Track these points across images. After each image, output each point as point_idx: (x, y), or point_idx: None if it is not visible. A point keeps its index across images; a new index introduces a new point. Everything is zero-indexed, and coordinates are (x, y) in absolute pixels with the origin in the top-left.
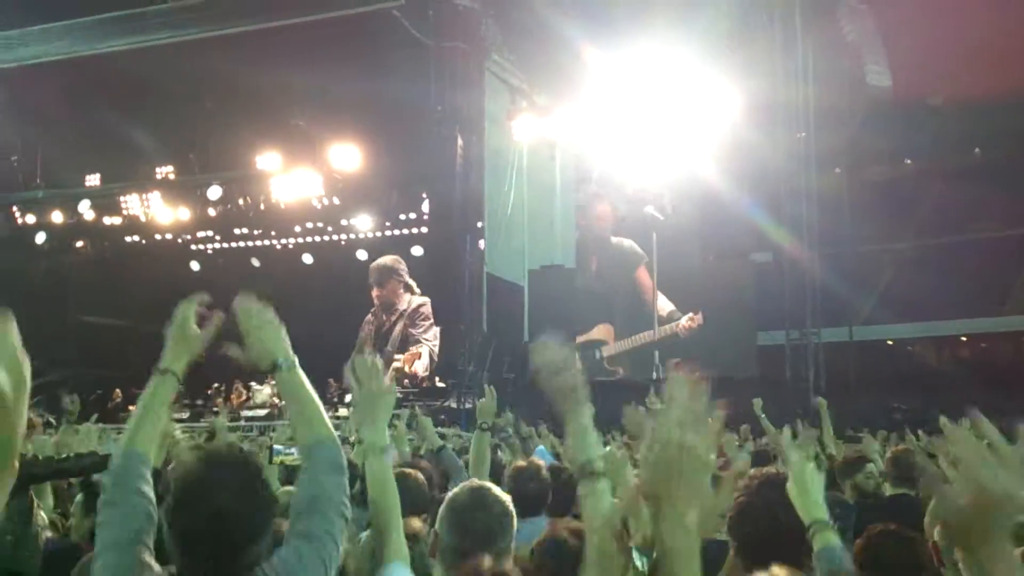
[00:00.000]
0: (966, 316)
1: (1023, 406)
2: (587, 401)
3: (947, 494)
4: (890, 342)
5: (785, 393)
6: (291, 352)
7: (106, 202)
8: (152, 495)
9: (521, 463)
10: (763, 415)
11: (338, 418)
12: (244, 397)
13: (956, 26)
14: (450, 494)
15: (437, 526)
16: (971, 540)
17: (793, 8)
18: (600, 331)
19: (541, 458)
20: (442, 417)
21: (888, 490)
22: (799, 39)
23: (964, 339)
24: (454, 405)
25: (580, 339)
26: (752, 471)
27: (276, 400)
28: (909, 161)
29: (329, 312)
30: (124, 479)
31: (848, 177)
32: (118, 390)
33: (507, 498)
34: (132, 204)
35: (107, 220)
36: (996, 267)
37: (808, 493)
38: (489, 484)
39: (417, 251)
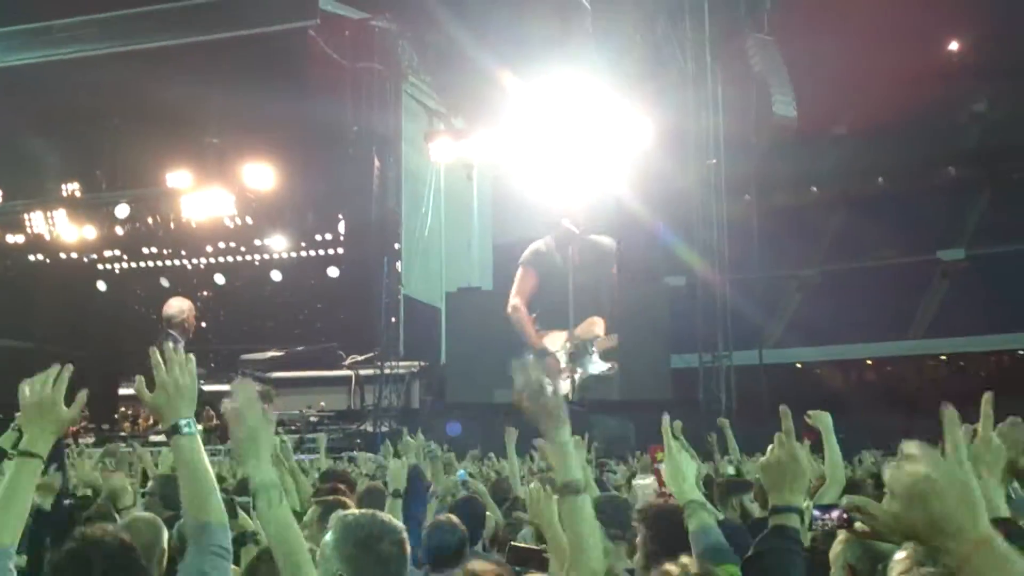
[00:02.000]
0: (872, 340)
1: (927, 428)
2: (567, 421)
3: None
4: (799, 365)
5: (698, 415)
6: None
7: (9, 219)
8: None
9: (440, 518)
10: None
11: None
12: (152, 421)
13: (859, 59)
14: (341, 527)
15: (338, 566)
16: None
17: (703, 40)
18: (591, 324)
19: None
20: (358, 441)
21: (756, 512)
22: (709, 70)
23: (870, 363)
24: (370, 429)
25: (572, 333)
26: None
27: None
28: (815, 189)
29: (242, 332)
30: None
31: (757, 204)
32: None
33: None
34: (36, 222)
35: (10, 238)
36: (900, 293)
37: (683, 476)
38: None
39: (333, 272)
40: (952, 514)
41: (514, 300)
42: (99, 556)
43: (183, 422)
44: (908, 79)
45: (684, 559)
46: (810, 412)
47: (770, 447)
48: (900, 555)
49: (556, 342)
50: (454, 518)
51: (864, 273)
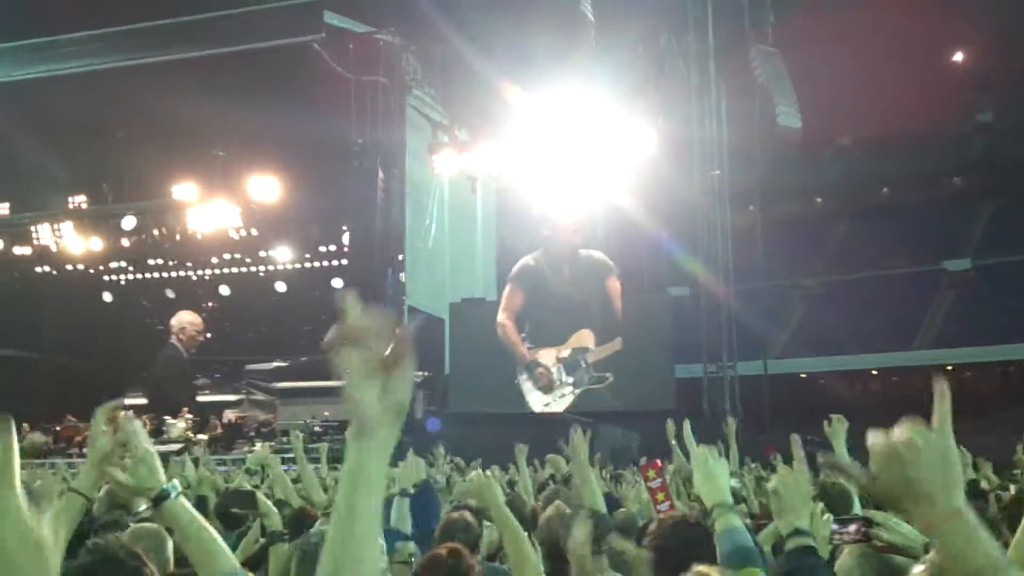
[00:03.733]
0: (877, 351)
1: None
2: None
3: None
4: (803, 375)
5: (703, 425)
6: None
7: (16, 231)
8: None
9: (453, 515)
10: (675, 443)
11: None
12: (150, 429)
13: (863, 70)
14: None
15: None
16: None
17: (707, 52)
18: (580, 337)
19: None
20: None
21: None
22: (712, 81)
23: (875, 373)
24: None
25: (563, 349)
26: (662, 514)
27: (190, 435)
28: (819, 199)
29: (247, 342)
30: None
31: (761, 214)
32: (26, 424)
33: None
34: (43, 234)
35: (17, 250)
36: (905, 303)
37: (714, 479)
38: None
39: (337, 283)
40: (927, 480)
41: (500, 317)
42: (111, 562)
43: (168, 487)
44: (913, 90)
45: (702, 568)
46: (832, 416)
47: (775, 475)
48: (918, 569)
49: (547, 358)
50: (468, 516)
51: (869, 283)
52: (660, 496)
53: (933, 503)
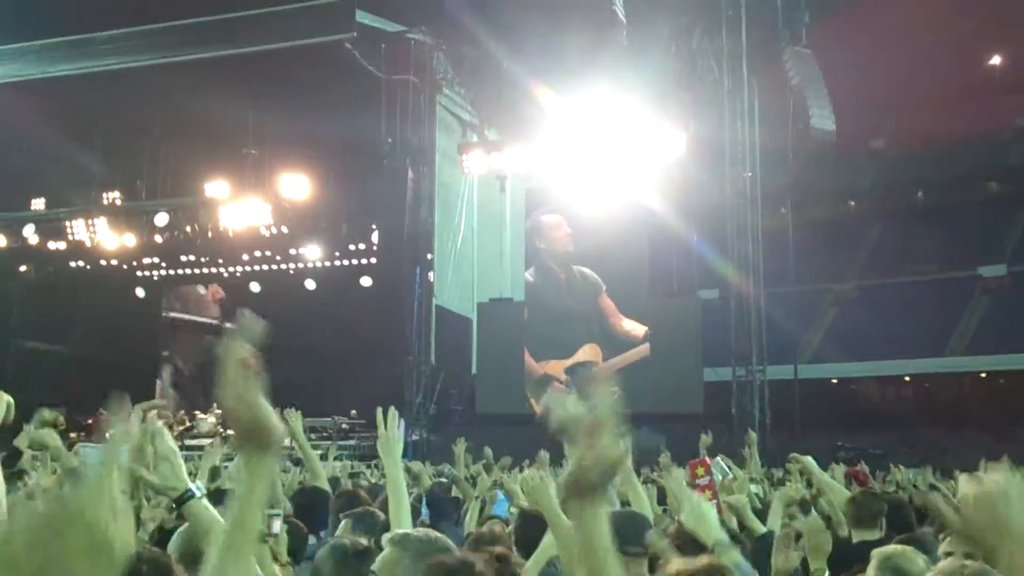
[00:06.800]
0: (909, 356)
1: (964, 446)
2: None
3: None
4: (834, 380)
5: (732, 429)
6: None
7: (51, 227)
8: None
9: (482, 529)
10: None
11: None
12: (186, 425)
13: (899, 72)
14: (413, 543)
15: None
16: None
17: (740, 53)
18: (587, 351)
19: (499, 511)
20: None
21: (846, 533)
22: (745, 83)
23: (907, 379)
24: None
25: (568, 362)
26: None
27: (220, 429)
28: (852, 203)
29: (278, 341)
30: None
31: (793, 216)
32: (61, 417)
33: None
34: (78, 229)
35: (52, 245)
36: (938, 309)
37: (705, 520)
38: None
39: (366, 282)
40: (1018, 521)
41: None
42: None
43: (192, 487)
44: (949, 93)
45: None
46: (795, 456)
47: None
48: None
49: (556, 369)
50: (496, 528)
51: (902, 288)
52: (708, 495)
53: (1020, 539)
